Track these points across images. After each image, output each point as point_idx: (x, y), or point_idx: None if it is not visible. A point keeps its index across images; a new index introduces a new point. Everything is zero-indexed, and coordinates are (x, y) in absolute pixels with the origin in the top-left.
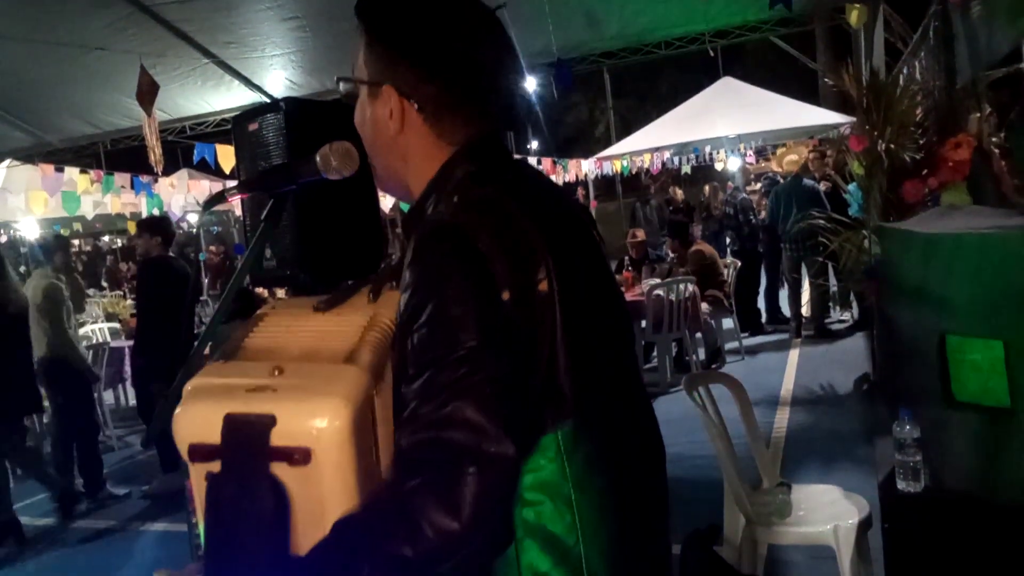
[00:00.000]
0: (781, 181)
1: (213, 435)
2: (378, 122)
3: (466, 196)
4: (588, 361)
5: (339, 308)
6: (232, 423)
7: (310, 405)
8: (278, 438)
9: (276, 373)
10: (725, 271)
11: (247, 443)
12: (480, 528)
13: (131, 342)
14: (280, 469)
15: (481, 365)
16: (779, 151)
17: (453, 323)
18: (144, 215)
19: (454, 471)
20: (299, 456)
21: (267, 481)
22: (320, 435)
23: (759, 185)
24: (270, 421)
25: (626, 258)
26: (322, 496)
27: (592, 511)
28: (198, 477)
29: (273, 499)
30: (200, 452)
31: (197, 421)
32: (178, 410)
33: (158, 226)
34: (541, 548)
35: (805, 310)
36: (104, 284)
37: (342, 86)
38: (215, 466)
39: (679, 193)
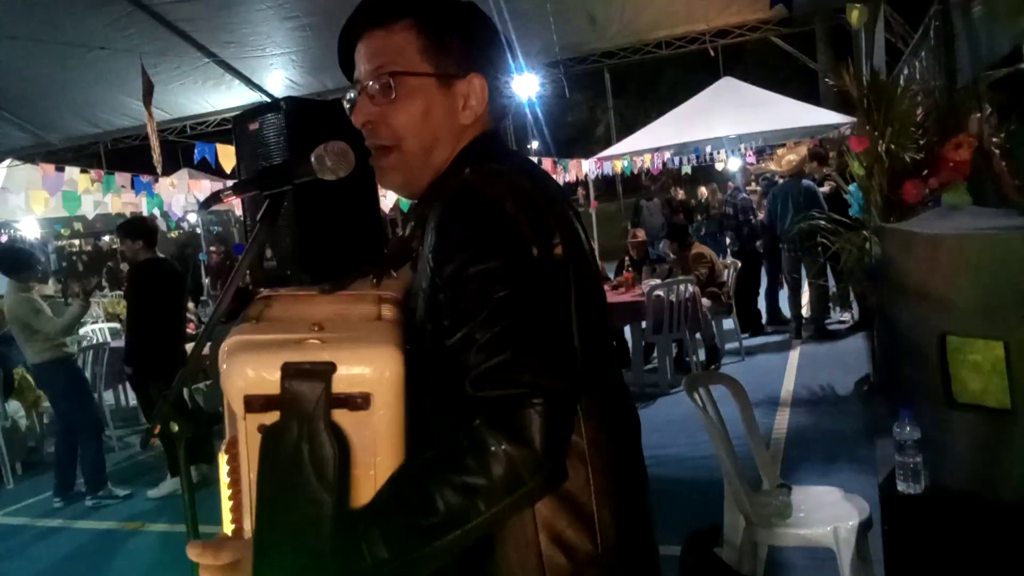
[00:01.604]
0: (779, 181)
1: (269, 385)
2: (449, 111)
3: (481, 171)
4: (592, 328)
5: (343, 291)
6: (291, 371)
7: (369, 352)
8: (338, 384)
9: (316, 329)
10: (724, 272)
11: (308, 390)
12: (549, 458)
13: None
14: (339, 415)
15: (524, 313)
16: (779, 151)
17: (491, 275)
18: (145, 215)
19: (521, 405)
20: (361, 400)
21: (330, 427)
22: (381, 380)
23: (756, 185)
24: (330, 368)
25: (626, 258)
26: (375, 441)
27: (604, 473)
28: (250, 431)
29: (336, 445)
30: (257, 402)
31: (251, 372)
32: (226, 364)
33: (137, 229)
34: (556, 506)
35: (805, 311)
36: (104, 284)
37: (392, 80)
38: (269, 417)
39: (681, 193)
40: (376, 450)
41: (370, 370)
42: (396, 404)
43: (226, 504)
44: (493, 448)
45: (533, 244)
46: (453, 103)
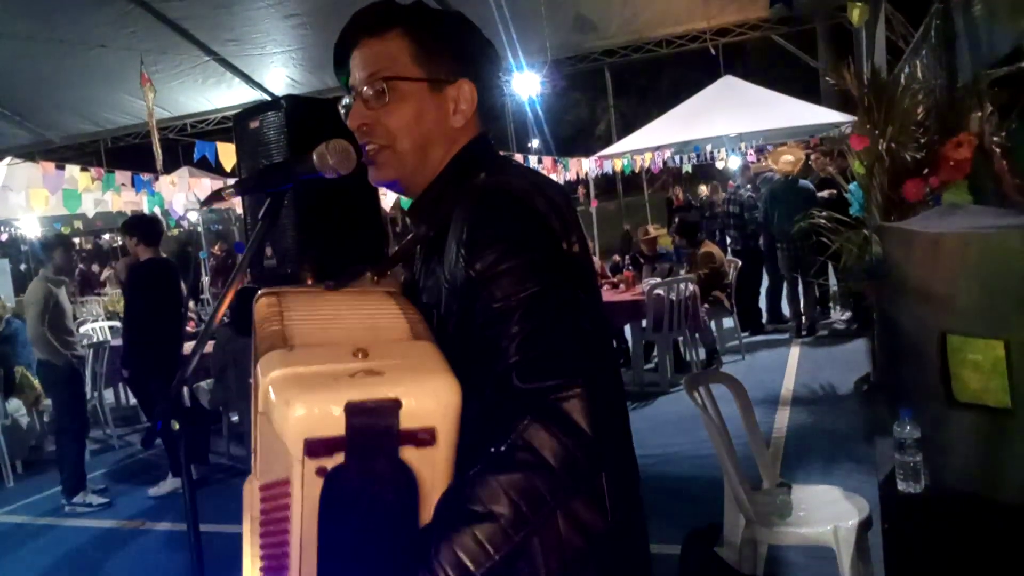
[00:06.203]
0: (775, 178)
1: (331, 427)
2: (440, 115)
3: (502, 173)
4: (600, 319)
5: (349, 288)
6: (355, 411)
7: (430, 384)
8: (404, 420)
9: (360, 356)
10: (730, 273)
11: (376, 429)
12: (598, 439)
13: None
14: (407, 453)
15: (559, 304)
16: (776, 149)
17: (527, 268)
18: (146, 213)
19: (568, 394)
20: (426, 436)
21: (399, 467)
22: (445, 412)
23: (749, 186)
24: (396, 405)
25: (627, 257)
26: (441, 475)
27: (612, 455)
28: (308, 473)
29: (406, 484)
30: (321, 446)
31: (314, 411)
32: (279, 402)
33: (134, 227)
34: None
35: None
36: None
37: (385, 85)
38: (332, 460)
39: (680, 193)
40: (439, 485)
41: (433, 403)
42: (455, 435)
43: (255, 544)
44: (549, 440)
45: (563, 239)
46: (444, 107)
